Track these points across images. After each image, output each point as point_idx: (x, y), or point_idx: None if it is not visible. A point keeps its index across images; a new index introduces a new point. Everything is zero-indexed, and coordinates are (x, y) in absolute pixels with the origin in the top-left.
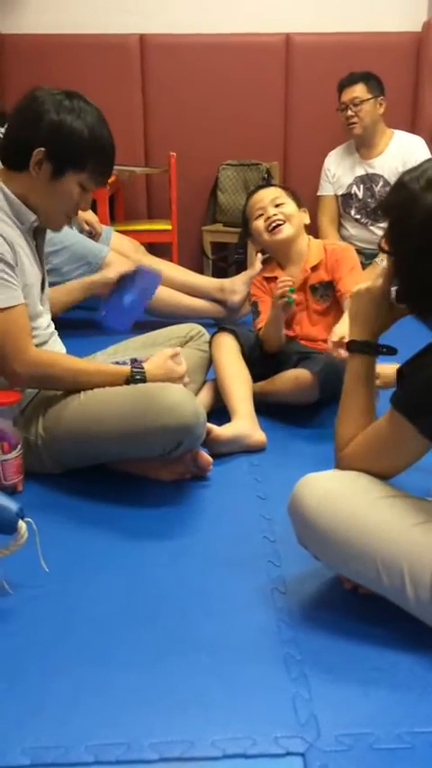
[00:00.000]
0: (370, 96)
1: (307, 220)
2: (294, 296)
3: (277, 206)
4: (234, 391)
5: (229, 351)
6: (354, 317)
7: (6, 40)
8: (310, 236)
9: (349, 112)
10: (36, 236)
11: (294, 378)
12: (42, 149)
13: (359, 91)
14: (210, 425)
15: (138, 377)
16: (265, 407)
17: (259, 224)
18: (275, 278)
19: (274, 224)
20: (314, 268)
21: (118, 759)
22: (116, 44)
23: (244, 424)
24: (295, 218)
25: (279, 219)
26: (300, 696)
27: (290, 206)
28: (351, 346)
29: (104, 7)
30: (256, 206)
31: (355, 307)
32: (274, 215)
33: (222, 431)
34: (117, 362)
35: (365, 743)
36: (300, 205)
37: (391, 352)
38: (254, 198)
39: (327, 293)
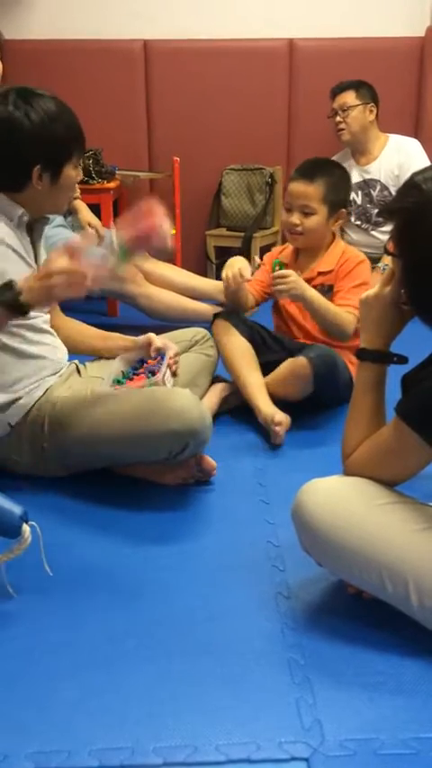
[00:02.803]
0: (359, 103)
1: (336, 227)
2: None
3: (305, 214)
4: (251, 382)
5: (232, 333)
6: (364, 325)
7: (9, 45)
8: (337, 237)
9: (337, 118)
10: (31, 231)
11: (290, 364)
12: (38, 166)
13: (348, 97)
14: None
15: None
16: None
17: (284, 218)
18: (287, 265)
19: (291, 230)
20: (322, 273)
21: (122, 763)
22: (120, 50)
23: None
24: (317, 231)
25: (297, 230)
26: (304, 701)
27: (316, 217)
28: (362, 355)
29: (108, 13)
30: (287, 198)
31: (365, 314)
32: (295, 225)
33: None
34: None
35: (370, 748)
36: (338, 207)
37: (401, 360)
38: (290, 187)
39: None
